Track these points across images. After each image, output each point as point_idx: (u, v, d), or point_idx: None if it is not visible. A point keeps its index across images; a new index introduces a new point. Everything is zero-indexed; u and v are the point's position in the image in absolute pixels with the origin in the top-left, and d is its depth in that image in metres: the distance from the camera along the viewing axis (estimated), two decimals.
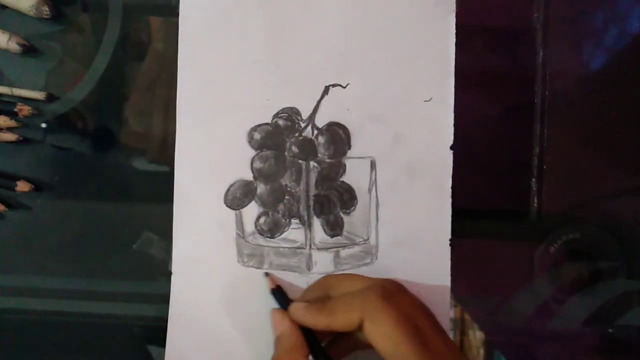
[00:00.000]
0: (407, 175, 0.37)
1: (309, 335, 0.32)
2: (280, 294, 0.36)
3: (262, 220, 0.38)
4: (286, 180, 0.38)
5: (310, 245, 0.38)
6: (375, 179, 0.37)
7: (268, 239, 0.38)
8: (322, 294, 0.34)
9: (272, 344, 0.37)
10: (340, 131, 0.37)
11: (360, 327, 0.30)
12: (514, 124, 0.39)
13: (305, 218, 0.38)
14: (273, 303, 0.37)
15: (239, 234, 0.37)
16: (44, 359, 0.40)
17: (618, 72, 0.39)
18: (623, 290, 0.39)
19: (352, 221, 0.38)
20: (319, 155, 0.38)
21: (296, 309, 0.33)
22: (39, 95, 0.38)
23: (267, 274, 0.37)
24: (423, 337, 0.29)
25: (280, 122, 0.37)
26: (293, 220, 0.38)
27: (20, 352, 0.40)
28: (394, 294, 0.31)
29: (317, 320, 0.31)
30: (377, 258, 0.37)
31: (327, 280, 0.35)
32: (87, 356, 0.40)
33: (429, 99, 0.37)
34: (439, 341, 0.29)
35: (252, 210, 0.38)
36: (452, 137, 0.37)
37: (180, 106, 0.37)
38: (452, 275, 0.37)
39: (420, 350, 0.28)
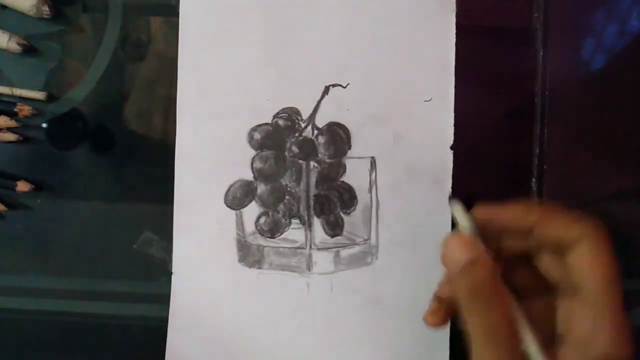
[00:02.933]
0: (407, 175, 0.37)
1: None
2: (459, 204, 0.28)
3: (262, 220, 0.38)
4: (286, 180, 0.38)
5: (310, 245, 0.38)
6: (376, 179, 0.37)
7: (268, 239, 0.38)
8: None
9: (271, 345, 0.37)
10: (341, 131, 0.37)
11: (561, 250, 0.25)
12: (514, 124, 0.39)
13: (306, 218, 0.38)
14: (273, 303, 0.37)
15: (239, 234, 0.37)
16: (44, 359, 0.40)
17: (618, 72, 0.39)
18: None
19: (352, 221, 0.38)
20: (319, 155, 0.38)
21: (483, 206, 0.27)
22: (39, 95, 0.38)
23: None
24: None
25: (281, 122, 0.37)
26: (293, 220, 0.38)
27: (20, 352, 0.40)
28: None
29: (525, 214, 0.26)
30: (377, 258, 0.37)
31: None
32: (87, 356, 0.39)
33: (429, 99, 0.37)
34: None
35: (252, 210, 0.38)
36: (452, 137, 0.37)
37: (180, 106, 0.37)
38: None
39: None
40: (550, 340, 0.25)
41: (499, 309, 0.24)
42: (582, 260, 0.24)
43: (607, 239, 0.25)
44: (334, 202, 0.38)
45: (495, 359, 0.24)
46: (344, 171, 0.38)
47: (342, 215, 0.38)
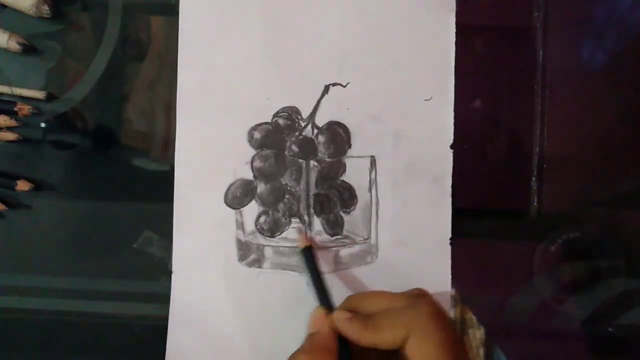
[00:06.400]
0: (407, 175, 0.37)
1: (343, 343, 0.32)
2: (309, 254, 0.35)
3: (262, 219, 0.38)
4: (286, 180, 0.38)
5: None
6: (376, 178, 0.37)
7: (268, 238, 0.38)
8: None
9: (271, 344, 0.37)
10: (341, 130, 0.37)
11: (401, 346, 0.30)
12: (513, 124, 0.39)
13: (306, 217, 0.38)
14: (273, 302, 0.37)
15: (239, 233, 0.37)
16: (44, 359, 0.40)
17: (618, 72, 0.39)
18: (623, 290, 0.39)
19: (352, 220, 0.38)
20: (319, 154, 0.38)
21: (341, 319, 0.32)
22: (39, 94, 0.38)
23: (300, 231, 0.37)
24: None
25: (281, 121, 0.37)
26: (293, 220, 0.38)
27: (20, 352, 0.40)
28: (442, 317, 0.31)
29: (362, 335, 0.31)
30: (377, 257, 0.37)
31: (352, 300, 0.34)
32: (88, 356, 0.39)
33: (429, 98, 0.37)
34: None
35: (252, 210, 0.38)
36: (452, 136, 0.37)
37: (180, 106, 0.37)
38: (452, 274, 0.37)
39: None
40: None
41: None
42: (410, 355, 0.30)
43: (435, 329, 0.30)
44: (334, 201, 0.38)
45: None
46: (344, 170, 0.38)
47: (342, 214, 0.38)
